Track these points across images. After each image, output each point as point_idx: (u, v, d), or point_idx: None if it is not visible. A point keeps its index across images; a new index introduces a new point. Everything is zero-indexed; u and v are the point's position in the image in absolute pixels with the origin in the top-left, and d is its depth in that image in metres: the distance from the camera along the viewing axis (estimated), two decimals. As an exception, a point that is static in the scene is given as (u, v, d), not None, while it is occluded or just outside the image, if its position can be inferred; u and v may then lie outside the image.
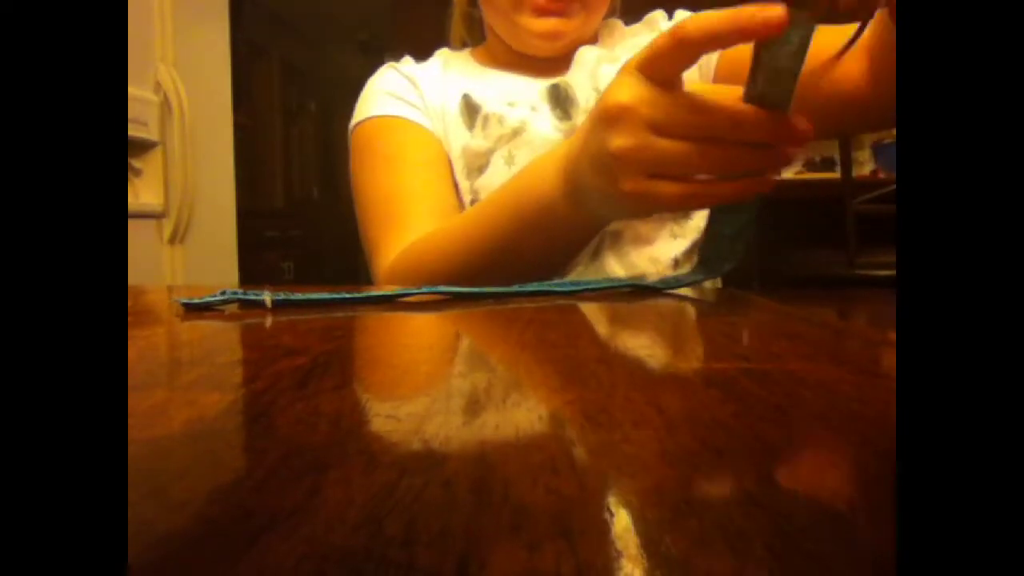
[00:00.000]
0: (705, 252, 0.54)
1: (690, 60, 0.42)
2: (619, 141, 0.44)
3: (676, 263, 0.70)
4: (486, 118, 0.73)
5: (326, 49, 3.35)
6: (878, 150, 2.71)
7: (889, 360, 0.27)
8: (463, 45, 0.87)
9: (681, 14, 0.80)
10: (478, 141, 0.74)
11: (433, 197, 0.72)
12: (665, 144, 0.43)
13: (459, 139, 0.75)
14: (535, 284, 0.48)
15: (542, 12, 0.72)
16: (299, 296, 0.40)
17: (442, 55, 0.84)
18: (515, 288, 0.47)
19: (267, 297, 0.39)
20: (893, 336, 0.31)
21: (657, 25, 0.81)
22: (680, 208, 0.48)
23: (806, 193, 2.32)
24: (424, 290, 0.44)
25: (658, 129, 0.43)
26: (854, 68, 0.61)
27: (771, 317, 0.41)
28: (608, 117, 0.45)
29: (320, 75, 3.32)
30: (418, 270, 0.63)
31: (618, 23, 0.85)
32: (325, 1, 3.06)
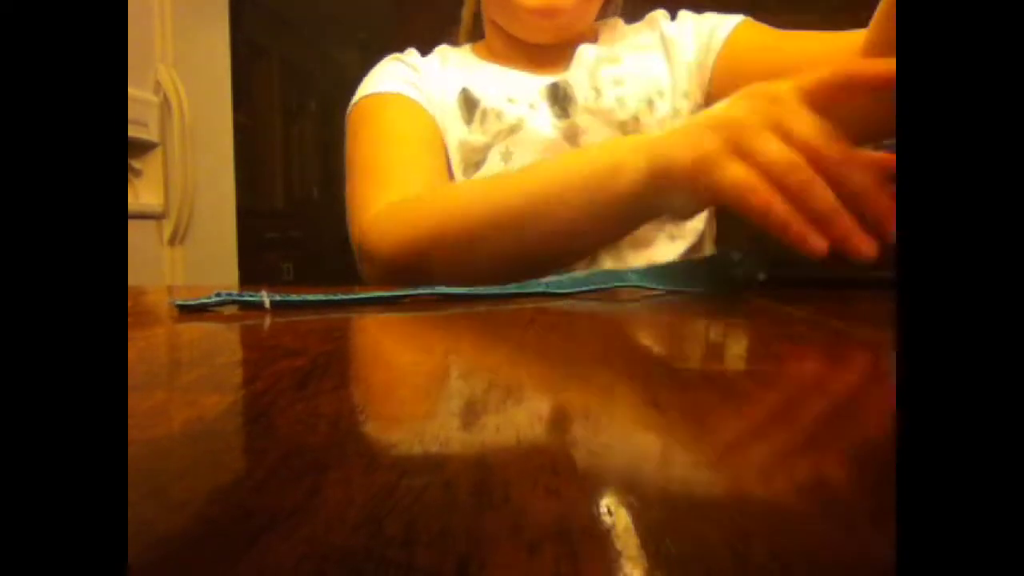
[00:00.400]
0: (709, 273, 0.54)
1: (843, 100, 0.43)
2: (740, 111, 0.45)
3: None
4: (484, 113, 0.73)
5: (326, 49, 3.35)
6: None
7: (889, 361, 0.27)
8: (468, 41, 0.87)
9: (684, 15, 0.80)
10: (476, 136, 0.73)
11: (426, 169, 0.71)
12: (775, 142, 0.43)
13: (456, 133, 0.74)
14: (533, 284, 0.48)
15: None
16: (297, 297, 0.40)
17: (441, 51, 0.84)
18: (514, 289, 0.47)
19: (265, 298, 0.39)
20: (893, 338, 0.31)
21: (658, 24, 0.80)
22: (734, 200, 0.45)
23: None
24: (422, 291, 0.44)
25: (783, 134, 0.43)
26: None
27: (771, 318, 0.41)
28: (754, 94, 0.45)
29: (320, 75, 3.32)
30: (410, 218, 0.60)
31: (619, 22, 0.85)
32: (325, 1, 3.06)
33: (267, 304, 0.39)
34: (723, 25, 0.76)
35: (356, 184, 0.71)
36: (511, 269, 0.52)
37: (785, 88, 0.44)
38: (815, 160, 0.42)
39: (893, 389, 0.21)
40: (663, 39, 0.79)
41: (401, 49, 0.84)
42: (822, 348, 0.31)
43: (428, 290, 0.44)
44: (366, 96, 0.77)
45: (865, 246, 0.41)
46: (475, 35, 0.88)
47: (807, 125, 0.43)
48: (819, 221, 0.42)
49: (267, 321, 0.36)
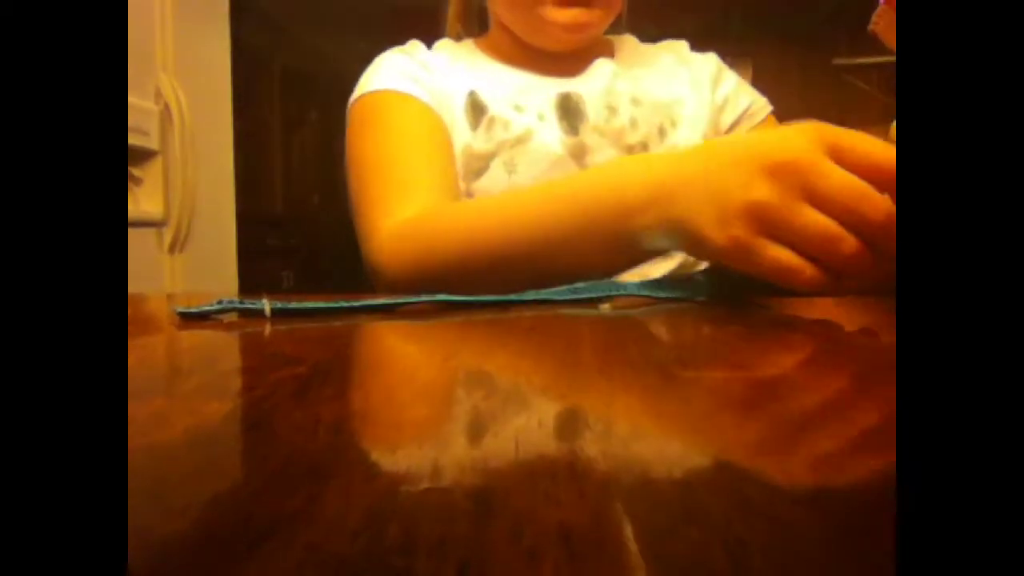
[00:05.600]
0: (705, 290, 0.53)
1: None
2: (766, 192, 0.42)
3: None
4: (491, 121, 0.71)
5: (327, 58, 3.36)
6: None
7: (889, 365, 0.27)
8: (458, 39, 0.86)
9: (716, 62, 0.81)
10: (480, 143, 0.72)
11: (439, 173, 0.68)
12: (810, 215, 0.41)
13: (461, 137, 0.72)
14: (533, 293, 0.48)
15: (565, 2, 0.70)
16: (298, 304, 0.40)
17: (446, 46, 0.81)
18: (515, 297, 0.47)
19: (266, 305, 0.39)
20: (892, 340, 0.31)
21: (683, 54, 0.81)
22: (767, 277, 0.46)
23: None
24: (423, 299, 0.44)
25: (812, 198, 0.41)
26: None
27: (770, 323, 0.41)
28: (770, 165, 0.42)
29: (320, 83, 3.32)
30: (429, 242, 0.59)
31: (632, 39, 0.84)
32: (326, 9, 3.08)
33: (268, 312, 0.39)
34: (759, 113, 0.78)
35: (366, 189, 0.68)
36: (523, 289, 0.52)
37: (802, 143, 0.42)
38: (853, 217, 0.41)
39: (894, 389, 0.21)
40: (692, 77, 0.79)
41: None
42: (820, 352, 0.31)
43: (429, 298, 0.44)
44: (370, 92, 0.73)
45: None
46: (468, 30, 0.87)
47: (840, 186, 0.41)
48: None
49: (267, 328, 0.36)
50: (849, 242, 0.41)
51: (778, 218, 0.42)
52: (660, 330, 0.40)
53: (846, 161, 0.41)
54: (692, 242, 0.47)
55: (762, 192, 0.42)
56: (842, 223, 0.41)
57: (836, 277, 0.43)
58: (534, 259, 0.54)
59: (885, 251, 0.41)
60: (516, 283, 0.51)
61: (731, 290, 0.51)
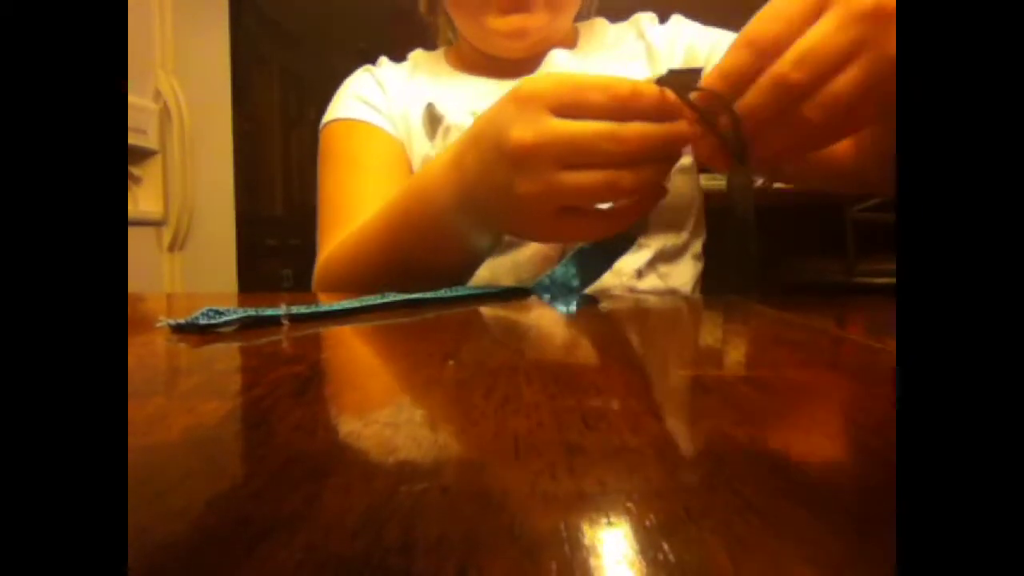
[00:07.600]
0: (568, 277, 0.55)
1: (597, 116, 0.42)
2: (527, 186, 0.43)
3: (639, 274, 0.69)
4: (447, 129, 0.73)
5: (326, 57, 3.36)
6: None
7: (888, 368, 0.27)
8: (449, 44, 0.86)
9: (679, 21, 0.78)
10: (438, 152, 0.72)
11: (382, 201, 0.72)
12: (575, 179, 0.42)
13: (420, 148, 0.74)
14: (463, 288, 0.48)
15: (505, 10, 0.70)
16: (315, 308, 0.39)
17: (414, 58, 0.83)
18: (484, 288, 0.47)
19: (283, 314, 0.36)
20: (893, 344, 0.31)
21: (643, 30, 0.78)
22: (590, 238, 0.48)
23: (804, 201, 2.31)
24: (410, 297, 0.44)
25: (567, 163, 0.42)
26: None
27: (770, 324, 0.41)
28: (513, 159, 0.43)
29: (320, 83, 3.32)
30: (339, 269, 0.62)
31: (601, 21, 0.82)
32: (325, 9, 3.07)
33: (285, 321, 0.36)
34: (726, 42, 0.71)
35: (320, 225, 0.73)
36: (425, 282, 0.53)
37: (530, 127, 0.43)
38: (612, 156, 0.42)
39: (893, 391, 0.21)
40: (648, 48, 0.76)
41: (399, 58, 0.84)
42: (820, 355, 0.31)
43: (395, 298, 0.44)
44: (333, 122, 0.77)
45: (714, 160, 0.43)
46: (455, 38, 0.86)
47: (582, 140, 0.42)
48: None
49: (266, 328, 0.36)
50: (624, 178, 0.42)
51: (555, 198, 0.44)
52: (658, 328, 0.40)
53: (579, 112, 0.42)
54: (515, 232, 0.51)
55: (523, 185, 0.44)
56: (608, 165, 0.42)
57: (653, 202, 0.46)
58: (407, 266, 0.56)
59: (656, 155, 0.43)
60: (431, 280, 0.53)
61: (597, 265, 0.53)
